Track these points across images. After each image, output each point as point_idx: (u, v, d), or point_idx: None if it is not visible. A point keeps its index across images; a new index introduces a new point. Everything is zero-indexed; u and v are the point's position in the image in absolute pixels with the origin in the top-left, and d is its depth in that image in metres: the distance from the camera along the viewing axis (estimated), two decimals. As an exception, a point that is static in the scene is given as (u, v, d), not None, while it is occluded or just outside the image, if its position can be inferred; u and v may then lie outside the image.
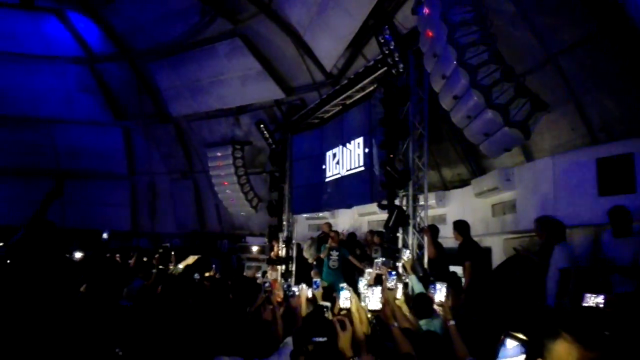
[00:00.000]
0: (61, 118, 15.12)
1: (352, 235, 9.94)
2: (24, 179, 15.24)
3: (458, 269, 6.41)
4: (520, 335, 1.66)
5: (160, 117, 14.54)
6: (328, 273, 8.53)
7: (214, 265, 10.11)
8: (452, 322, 3.36)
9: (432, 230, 6.82)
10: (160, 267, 7.44)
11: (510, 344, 1.66)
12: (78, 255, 7.83)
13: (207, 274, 8.14)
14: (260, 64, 11.36)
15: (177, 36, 12.02)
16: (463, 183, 8.39)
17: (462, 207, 8.10)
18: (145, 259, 8.98)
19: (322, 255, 8.82)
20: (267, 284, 5.13)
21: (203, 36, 11.77)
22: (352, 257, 8.60)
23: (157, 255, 8.62)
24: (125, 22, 12.63)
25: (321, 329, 2.78)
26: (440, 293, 3.80)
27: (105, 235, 9.96)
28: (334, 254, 8.65)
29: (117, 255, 8.95)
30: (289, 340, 3.19)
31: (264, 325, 3.74)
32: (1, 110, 14.45)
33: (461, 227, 6.28)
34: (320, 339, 2.71)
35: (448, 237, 6.92)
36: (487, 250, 7.25)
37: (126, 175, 16.21)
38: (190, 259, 6.53)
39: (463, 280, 6.10)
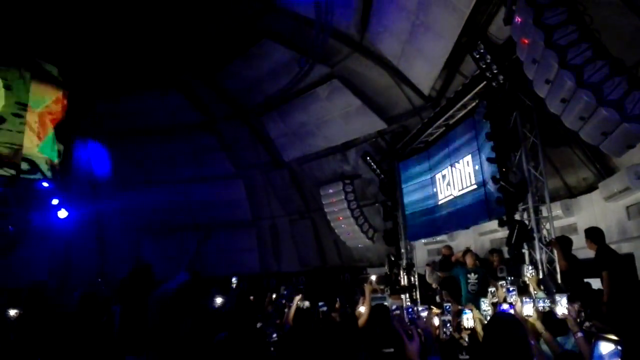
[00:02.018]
0: (193, 177, 16.95)
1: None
2: (168, 236, 17.21)
3: (596, 281, 5.90)
4: (613, 337, 1.49)
5: (275, 164, 15.65)
6: (467, 298, 7.96)
7: (338, 299, 10.44)
8: (579, 334, 3.23)
9: (562, 242, 6.41)
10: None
11: (605, 347, 1.49)
12: (219, 300, 8.62)
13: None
14: (359, 99, 11.81)
15: (282, 88, 12.97)
16: (590, 187, 7.75)
17: (592, 214, 7.46)
18: (274, 296, 9.62)
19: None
20: (394, 308, 5.23)
21: (305, 83, 12.53)
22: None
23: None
24: (237, 84, 13.95)
25: (389, 340, 2.89)
26: (561, 306, 3.62)
27: (234, 280, 11.07)
28: (473, 276, 8.15)
29: (251, 297, 9.63)
30: None
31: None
32: (145, 177, 16.63)
33: (594, 234, 5.83)
34: (388, 350, 2.83)
35: (583, 248, 6.42)
36: (629, 257, 6.56)
37: (251, 221, 17.49)
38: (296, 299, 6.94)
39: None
